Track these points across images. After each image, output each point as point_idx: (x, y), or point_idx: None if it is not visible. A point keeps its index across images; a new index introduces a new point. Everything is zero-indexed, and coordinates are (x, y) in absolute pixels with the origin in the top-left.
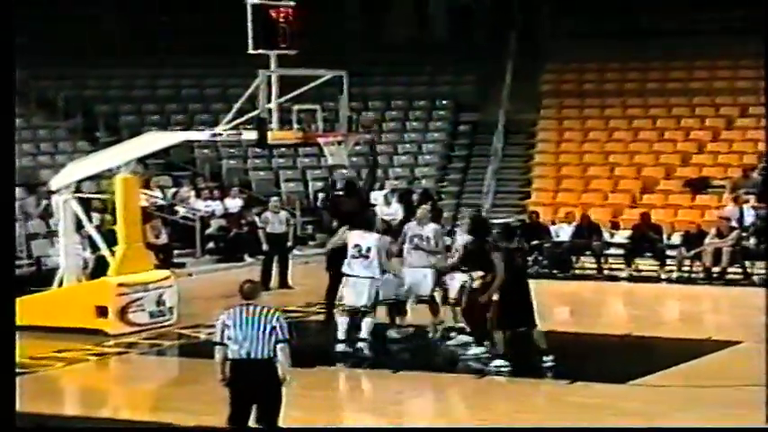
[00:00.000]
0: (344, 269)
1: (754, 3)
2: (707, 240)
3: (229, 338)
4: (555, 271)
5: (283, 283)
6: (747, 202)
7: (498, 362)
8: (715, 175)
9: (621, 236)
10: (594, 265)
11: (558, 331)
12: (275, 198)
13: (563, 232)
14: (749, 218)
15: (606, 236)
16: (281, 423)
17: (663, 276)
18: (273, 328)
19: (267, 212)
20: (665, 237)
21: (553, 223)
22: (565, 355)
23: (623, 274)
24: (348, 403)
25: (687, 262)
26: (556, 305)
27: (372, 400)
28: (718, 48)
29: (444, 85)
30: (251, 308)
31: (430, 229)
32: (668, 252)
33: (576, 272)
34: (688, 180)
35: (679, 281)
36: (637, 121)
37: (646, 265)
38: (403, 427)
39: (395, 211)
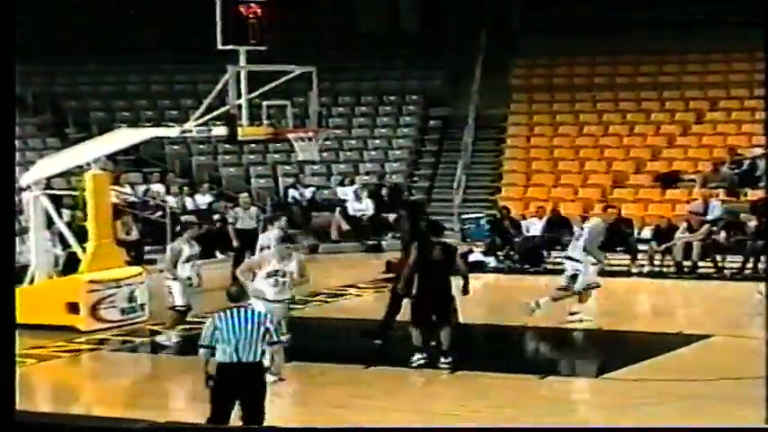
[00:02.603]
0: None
1: None
2: (677, 234)
3: (217, 341)
4: (526, 266)
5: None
6: (712, 196)
7: (417, 356)
8: (685, 170)
9: None
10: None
11: (530, 326)
12: (245, 194)
13: (534, 227)
14: (715, 212)
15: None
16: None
17: (634, 270)
18: (267, 330)
19: (237, 208)
20: (635, 231)
21: (524, 218)
22: (537, 349)
23: None
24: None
25: (658, 256)
26: (527, 300)
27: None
28: (687, 42)
29: (414, 80)
30: (242, 311)
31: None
32: (639, 246)
33: (548, 266)
34: (658, 174)
35: (650, 275)
36: (607, 116)
37: (617, 259)
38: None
39: (365, 207)
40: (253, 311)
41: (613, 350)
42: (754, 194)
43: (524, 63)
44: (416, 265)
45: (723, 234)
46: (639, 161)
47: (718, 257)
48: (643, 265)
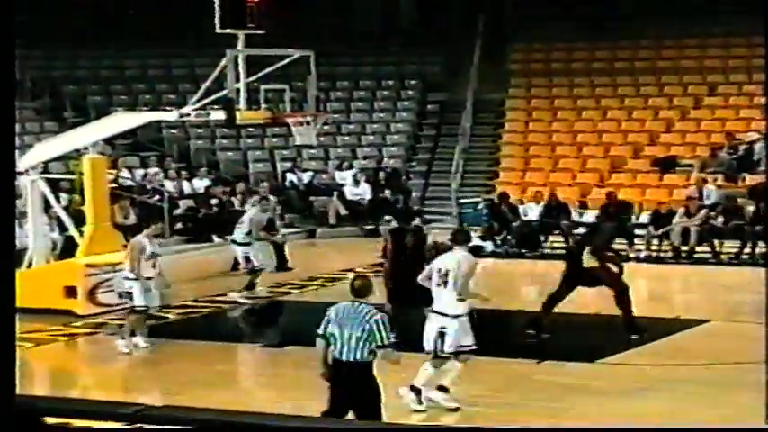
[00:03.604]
0: None
1: None
2: (675, 219)
3: (331, 334)
4: (524, 250)
5: (282, 265)
6: (707, 181)
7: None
8: (683, 155)
9: (590, 215)
10: (563, 245)
11: (528, 310)
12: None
13: (531, 212)
14: (713, 197)
15: (575, 215)
16: None
17: (631, 255)
18: (370, 331)
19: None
20: (633, 216)
21: (521, 203)
22: (533, 334)
23: None
24: None
25: (655, 241)
26: (525, 284)
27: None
28: (685, 27)
29: (412, 64)
30: (354, 306)
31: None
32: (637, 231)
33: (546, 251)
34: (656, 159)
35: (647, 260)
36: (605, 101)
37: (614, 244)
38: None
39: (363, 192)
40: (363, 308)
41: (610, 335)
42: (751, 179)
43: (522, 48)
44: (393, 252)
45: (721, 219)
46: (637, 146)
47: (716, 242)
48: (640, 250)
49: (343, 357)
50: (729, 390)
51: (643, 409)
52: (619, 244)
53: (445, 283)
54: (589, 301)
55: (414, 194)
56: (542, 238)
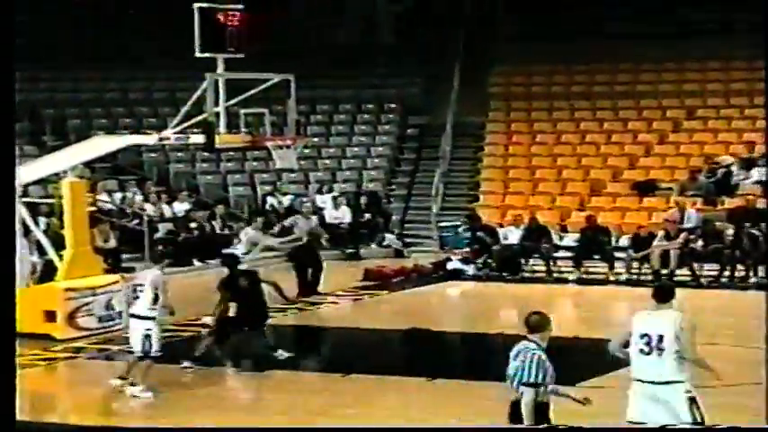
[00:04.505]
0: None
1: (698, 6)
2: (655, 242)
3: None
4: (504, 273)
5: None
6: (688, 204)
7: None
8: (662, 178)
9: (570, 238)
10: (544, 268)
11: (508, 334)
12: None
13: (512, 235)
14: (692, 220)
15: (555, 238)
16: None
17: (611, 279)
18: (521, 368)
19: (297, 216)
20: (613, 239)
21: (501, 226)
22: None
23: (572, 277)
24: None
25: (635, 264)
26: (505, 308)
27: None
28: (664, 51)
29: (392, 88)
30: (522, 344)
31: None
32: (617, 254)
33: (526, 274)
34: (635, 183)
35: (628, 283)
36: (584, 124)
37: (594, 267)
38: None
39: (343, 215)
40: (527, 347)
41: (591, 358)
42: (730, 203)
43: (502, 71)
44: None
45: (700, 242)
46: (617, 169)
47: (695, 265)
48: (620, 274)
49: (511, 397)
50: (711, 412)
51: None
52: (599, 267)
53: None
54: (569, 324)
55: (394, 218)
56: (523, 262)
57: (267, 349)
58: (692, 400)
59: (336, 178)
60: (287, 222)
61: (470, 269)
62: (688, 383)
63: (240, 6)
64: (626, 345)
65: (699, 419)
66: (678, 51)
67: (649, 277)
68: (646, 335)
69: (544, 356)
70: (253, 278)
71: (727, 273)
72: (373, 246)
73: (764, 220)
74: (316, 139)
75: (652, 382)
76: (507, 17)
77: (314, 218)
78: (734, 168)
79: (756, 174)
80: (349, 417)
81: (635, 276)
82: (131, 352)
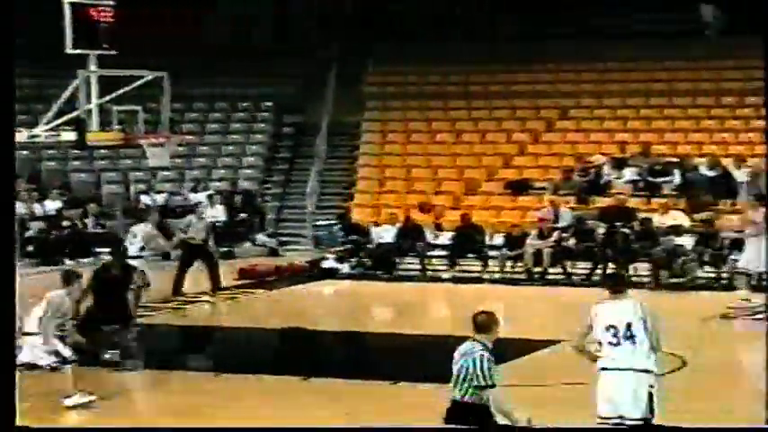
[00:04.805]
0: None
1: (567, 6)
2: (528, 241)
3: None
4: (379, 272)
5: (217, 285)
6: (559, 204)
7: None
8: (536, 177)
9: (445, 237)
10: (418, 266)
11: (383, 332)
12: (203, 203)
13: (386, 234)
14: (565, 219)
15: (429, 237)
16: None
17: (485, 277)
18: (468, 369)
19: (192, 216)
20: (487, 238)
21: (377, 225)
22: (389, 355)
23: (446, 275)
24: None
25: (509, 262)
26: (380, 306)
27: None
28: (538, 52)
29: (267, 86)
30: (468, 344)
31: None
32: (491, 253)
33: (401, 273)
34: (509, 182)
35: (501, 281)
36: (459, 124)
37: (468, 265)
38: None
39: (218, 214)
40: (475, 347)
41: None
42: (602, 202)
43: (377, 71)
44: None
45: (573, 241)
46: (491, 169)
47: (568, 264)
48: (494, 272)
49: (453, 396)
50: (580, 410)
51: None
52: (472, 266)
53: None
54: (444, 323)
55: (269, 217)
56: (397, 260)
57: (114, 348)
58: (651, 396)
59: (211, 176)
60: (182, 225)
61: (345, 268)
62: (653, 377)
63: (112, 2)
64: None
65: (650, 414)
66: (552, 52)
67: (522, 276)
68: (611, 326)
69: (491, 357)
70: (127, 274)
71: (599, 271)
72: (248, 244)
73: (635, 218)
74: (190, 137)
75: (625, 369)
76: (383, 17)
77: (207, 218)
78: (606, 168)
79: (628, 173)
80: (219, 417)
81: (508, 275)
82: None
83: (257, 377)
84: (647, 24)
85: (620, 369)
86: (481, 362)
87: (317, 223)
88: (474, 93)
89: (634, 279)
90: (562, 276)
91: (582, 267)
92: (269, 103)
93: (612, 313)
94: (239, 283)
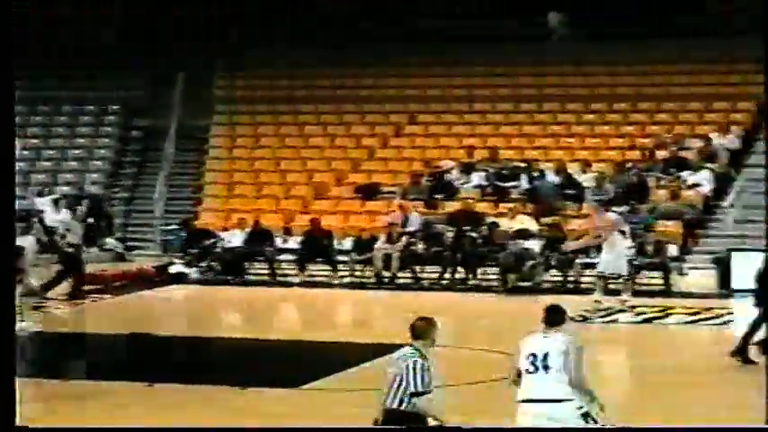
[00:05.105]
0: None
1: (421, 13)
2: (377, 245)
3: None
4: (228, 277)
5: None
6: (408, 208)
7: None
8: (385, 182)
9: (294, 241)
10: (267, 271)
11: (231, 337)
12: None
13: (235, 238)
14: (414, 223)
15: (278, 242)
16: None
17: (335, 281)
18: (401, 376)
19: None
20: (336, 242)
21: (225, 230)
22: (237, 360)
23: (296, 280)
24: None
25: (358, 267)
26: (229, 311)
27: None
28: (385, 56)
29: (115, 89)
30: (402, 351)
31: None
32: (340, 257)
33: (250, 278)
34: (358, 186)
35: (351, 286)
36: (308, 128)
37: (318, 270)
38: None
39: (63, 218)
40: (411, 353)
41: (313, 361)
42: (451, 206)
43: (226, 75)
44: None
45: (421, 245)
46: (340, 173)
47: (417, 268)
48: (344, 276)
49: (385, 404)
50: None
51: None
52: (322, 270)
53: None
54: (293, 327)
55: (116, 221)
56: (246, 265)
57: None
58: (586, 415)
59: (57, 180)
60: (61, 230)
61: (194, 273)
62: (578, 400)
63: None
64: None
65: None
66: (401, 57)
67: (372, 280)
68: (532, 354)
69: (426, 363)
70: None
71: (447, 275)
72: (95, 249)
73: (482, 223)
74: (35, 141)
75: (543, 401)
76: (231, 24)
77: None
78: (454, 173)
79: (476, 178)
80: (61, 423)
81: (358, 279)
82: None
83: (100, 383)
84: (493, 30)
85: (541, 401)
86: (414, 368)
87: (165, 228)
88: (323, 97)
89: (483, 284)
90: (411, 280)
91: (431, 271)
92: (116, 107)
93: (537, 344)
94: (86, 288)
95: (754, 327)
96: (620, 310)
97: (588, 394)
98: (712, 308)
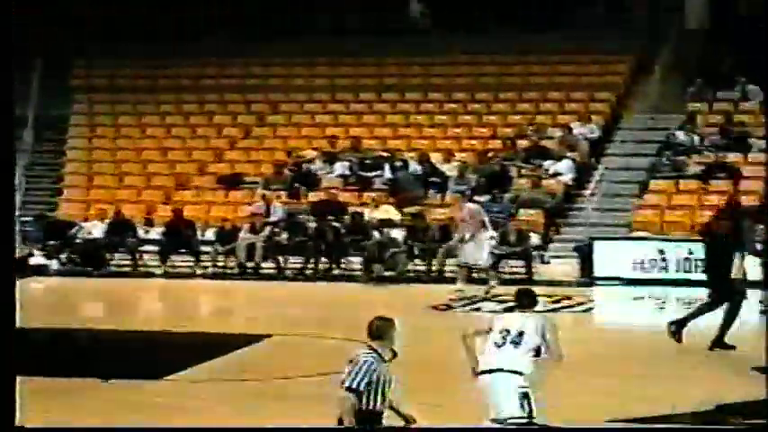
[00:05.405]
0: None
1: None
2: (240, 236)
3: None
4: (89, 268)
5: None
6: (271, 198)
7: None
8: (248, 172)
9: (156, 232)
10: (130, 262)
11: (92, 329)
12: None
13: (96, 229)
14: (277, 213)
15: (140, 233)
16: None
17: (198, 272)
18: (349, 371)
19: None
20: (198, 233)
21: (86, 221)
22: (99, 352)
23: (158, 271)
24: None
25: (221, 257)
26: (90, 302)
27: None
28: (250, 47)
29: None
30: (358, 349)
31: None
32: (203, 248)
33: (112, 269)
34: (221, 176)
35: (214, 276)
36: (170, 118)
37: (180, 261)
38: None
39: None
40: (357, 354)
41: (176, 351)
42: (314, 196)
43: (85, 63)
44: None
45: (285, 235)
46: (202, 163)
47: (281, 258)
48: (207, 267)
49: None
50: (292, 402)
51: (208, 425)
52: (184, 261)
53: None
54: (156, 318)
55: None
56: (108, 256)
57: None
58: (525, 395)
59: None
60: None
61: (54, 264)
62: (524, 379)
63: None
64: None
65: (527, 413)
66: (261, 48)
67: (235, 270)
68: (506, 329)
69: (374, 364)
70: None
71: (311, 265)
72: None
73: (345, 213)
74: None
75: (491, 371)
76: (91, 11)
77: None
78: (317, 162)
79: (339, 168)
80: None
81: (221, 270)
82: None
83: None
84: (356, 21)
85: (492, 371)
86: (360, 366)
87: (24, 219)
88: (184, 87)
89: (346, 273)
90: (275, 271)
91: (294, 262)
92: None
93: (512, 320)
94: None
95: (701, 311)
96: (484, 299)
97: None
98: (573, 296)
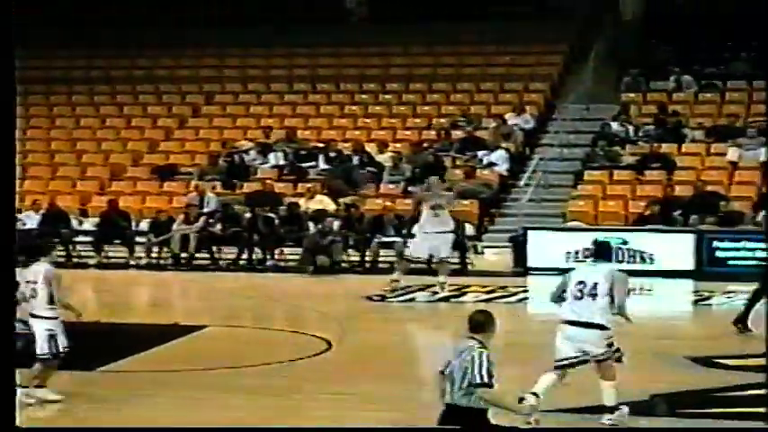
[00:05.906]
0: None
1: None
2: (174, 226)
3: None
4: (22, 258)
5: None
6: (205, 189)
7: None
8: (182, 162)
9: (90, 223)
10: (63, 253)
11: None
12: None
13: (30, 220)
14: (212, 204)
15: (75, 223)
16: None
17: (132, 263)
18: (467, 368)
19: None
20: (133, 223)
21: (20, 211)
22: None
23: (93, 262)
24: None
25: (155, 248)
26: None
27: None
28: (182, 38)
29: None
30: (465, 343)
31: None
32: (137, 239)
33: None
34: (156, 167)
35: (148, 267)
36: (104, 109)
37: (114, 251)
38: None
39: None
40: (472, 345)
41: (110, 342)
42: (248, 187)
43: (20, 55)
44: None
45: (219, 226)
46: (137, 154)
47: (215, 249)
48: (141, 258)
49: (448, 400)
50: (227, 394)
51: (147, 416)
52: (119, 252)
53: None
54: (90, 309)
55: None
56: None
57: None
58: (611, 345)
59: None
60: None
61: None
62: (611, 331)
63: None
64: (561, 296)
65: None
66: (198, 37)
67: (169, 261)
68: (582, 282)
69: (490, 355)
70: None
71: (245, 256)
72: None
73: (280, 203)
74: None
75: (582, 324)
76: (23, 0)
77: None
78: (251, 153)
79: (273, 158)
80: None
81: (155, 260)
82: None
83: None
84: (291, 12)
85: (578, 323)
86: (480, 359)
87: None
88: (118, 78)
89: (281, 264)
90: (209, 262)
91: (228, 252)
92: None
93: (587, 272)
94: None
95: (755, 297)
96: (419, 289)
97: (623, 314)
98: (507, 286)
